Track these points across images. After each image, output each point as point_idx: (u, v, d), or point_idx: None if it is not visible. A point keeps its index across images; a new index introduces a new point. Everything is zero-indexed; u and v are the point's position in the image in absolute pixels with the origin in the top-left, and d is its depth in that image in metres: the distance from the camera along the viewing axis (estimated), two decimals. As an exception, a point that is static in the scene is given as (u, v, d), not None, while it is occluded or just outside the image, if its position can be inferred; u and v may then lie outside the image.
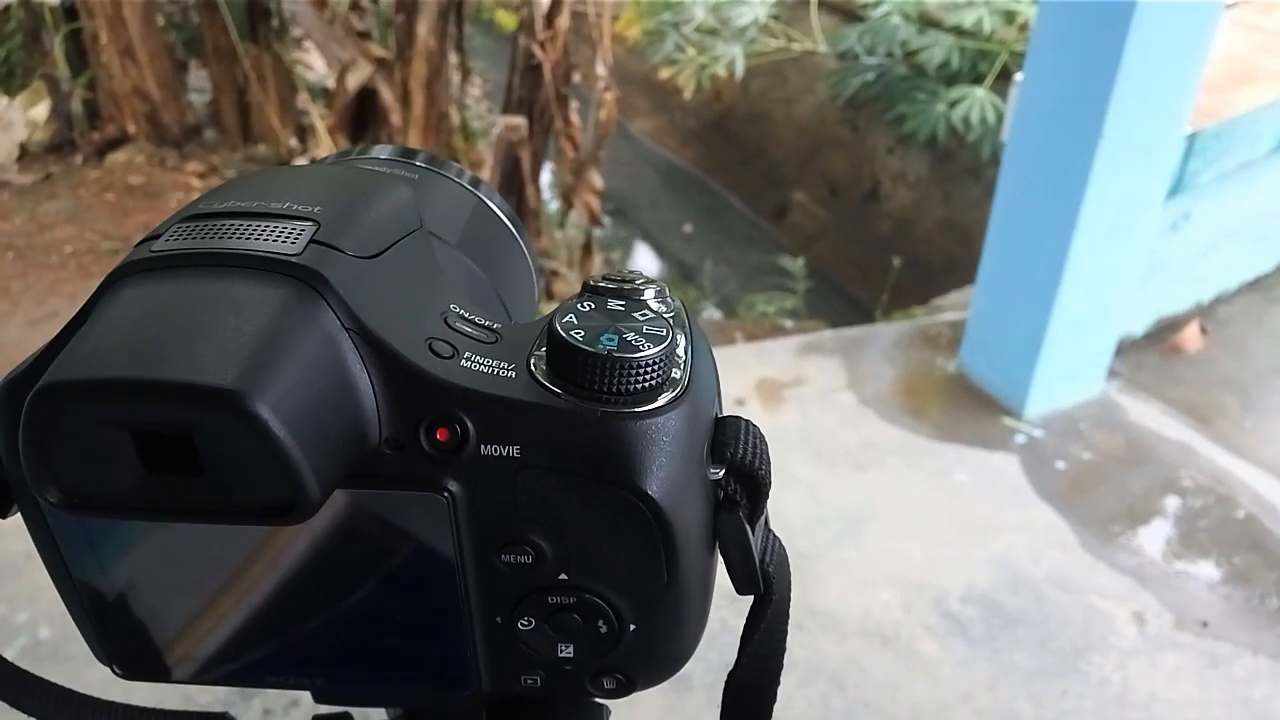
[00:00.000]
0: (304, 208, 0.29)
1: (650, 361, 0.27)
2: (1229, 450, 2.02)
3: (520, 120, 3.19)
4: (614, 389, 0.27)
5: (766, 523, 0.32)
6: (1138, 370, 2.21)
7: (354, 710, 0.37)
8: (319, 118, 3.45)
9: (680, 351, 0.29)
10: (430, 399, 0.27)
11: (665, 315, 0.29)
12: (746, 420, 0.30)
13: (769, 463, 0.30)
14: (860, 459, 1.96)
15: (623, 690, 0.32)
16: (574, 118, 3.30)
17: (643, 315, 0.29)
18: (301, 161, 3.07)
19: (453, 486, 0.27)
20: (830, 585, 1.67)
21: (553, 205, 3.77)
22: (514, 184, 3.23)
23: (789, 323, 2.92)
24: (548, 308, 3.35)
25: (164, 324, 0.25)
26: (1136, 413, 2.10)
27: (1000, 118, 3.37)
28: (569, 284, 3.38)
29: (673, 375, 0.28)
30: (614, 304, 0.29)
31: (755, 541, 0.30)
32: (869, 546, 1.77)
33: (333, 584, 0.30)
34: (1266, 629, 1.64)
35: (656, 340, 0.28)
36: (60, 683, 0.34)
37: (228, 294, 0.25)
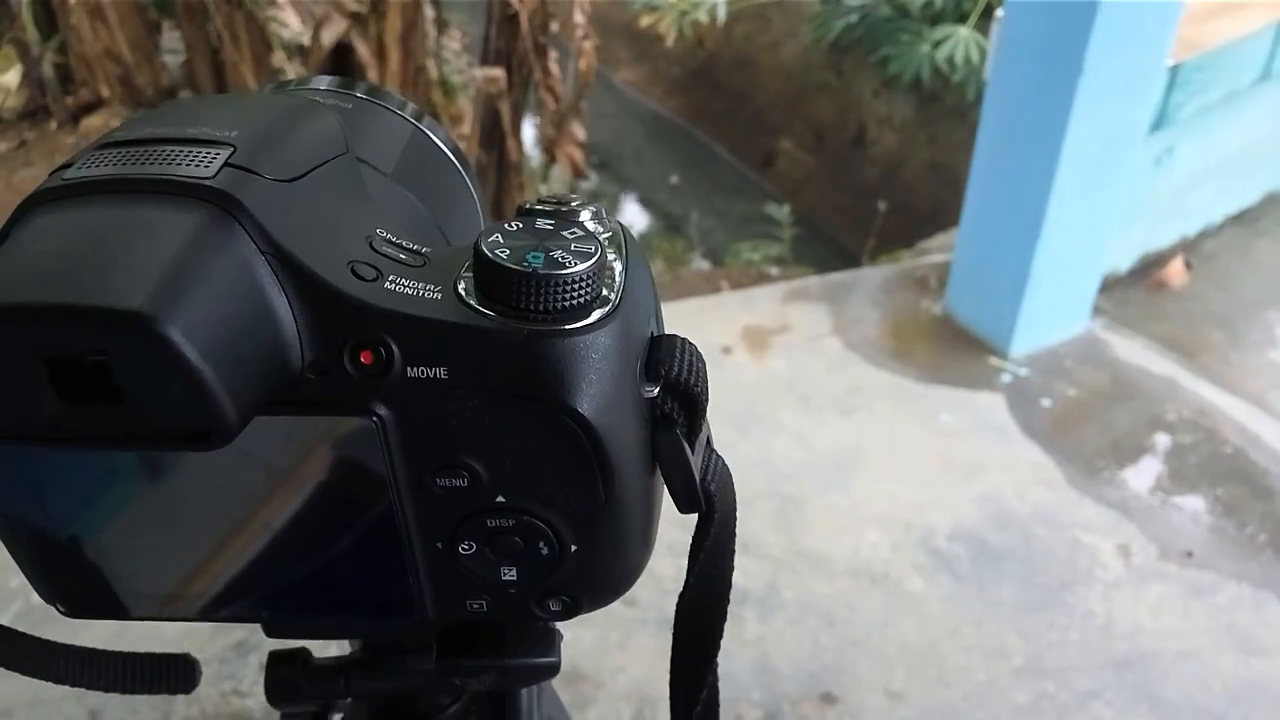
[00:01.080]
0: (221, 133, 0.28)
1: (578, 278, 0.27)
2: (1214, 384, 2.02)
3: (498, 72, 3.15)
4: (541, 307, 0.27)
5: (709, 442, 0.32)
6: (1123, 307, 2.21)
7: (311, 646, 0.37)
8: (295, 75, 3.40)
9: (615, 269, 0.29)
10: (352, 322, 0.26)
11: (599, 235, 0.29)
12: (683, 339, 0.30)
13: (706, 380, 0.30)
14: (847, 403, 1.97)
15: (569, 612, 0.32)
16: (553, 68, 3.26)
17: (572, 234, 0.28)
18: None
19: (380, 410, 0.27)
20: (819, 528, 1.68)
21: (535, 159, 3.74)
22: (495, 137, 3.20)
23: (775, 270, 2.92)
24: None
25: (74, 250, 0.24)
26: (1122, 349, 2.11)
27: (984, 57, 3.34)
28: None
29: (603, 293, 0.28)
30: (543, 223, 0.29)
31: (695, 460, 0.30)
32: (857, 489, 1.78)
33: (269, 514, 0.30)
34: (1250, 558, 1.66)
35: (584, 257, 0.27)
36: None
37: (139, 219, 0.25)
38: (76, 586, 0.31)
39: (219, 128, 0.28)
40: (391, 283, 0.27)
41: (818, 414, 1.94)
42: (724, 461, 0.32)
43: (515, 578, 0.30)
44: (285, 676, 0.36)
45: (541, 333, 0.26)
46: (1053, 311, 2.06)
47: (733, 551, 0.32)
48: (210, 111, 0.30)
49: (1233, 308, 2.26)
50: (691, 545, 0.32)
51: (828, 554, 1.64)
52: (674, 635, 0.34)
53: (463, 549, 0.29)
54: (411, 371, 0.27)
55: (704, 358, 0.30)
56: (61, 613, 0.32)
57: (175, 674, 0.36)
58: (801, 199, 4.23)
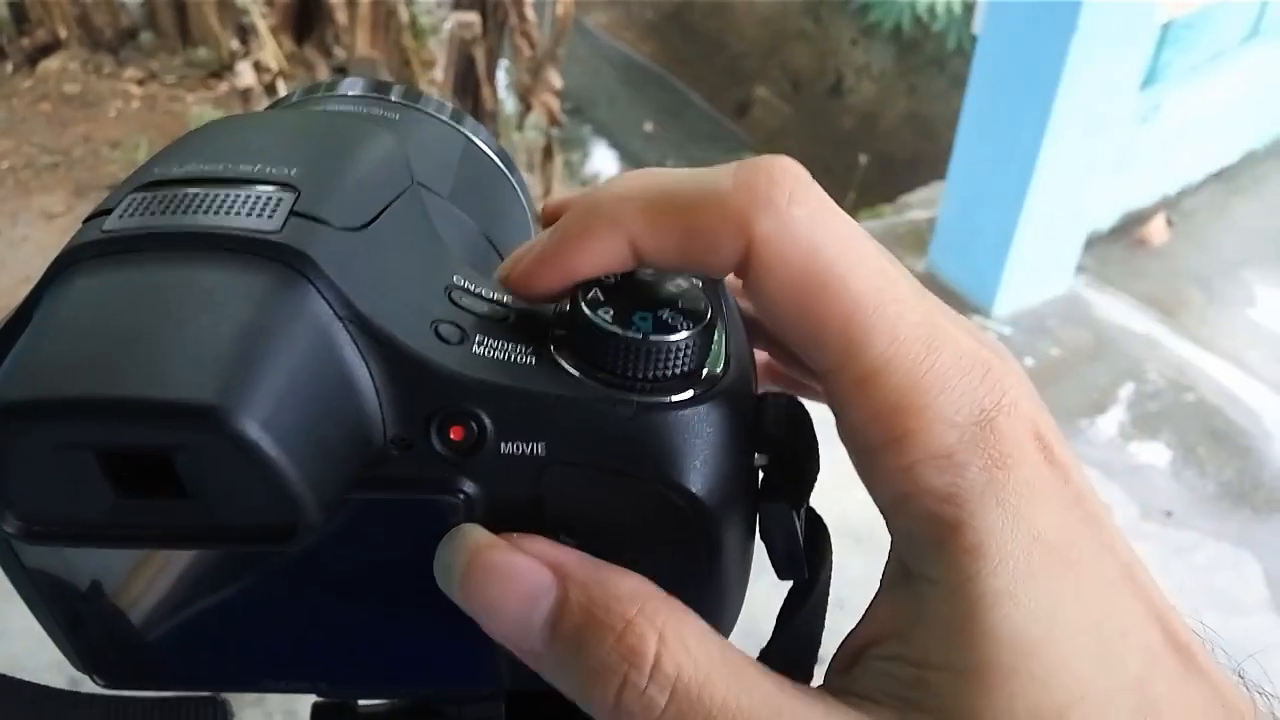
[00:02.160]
0: (278, 170, 0.24)
1: (689, 344, 0.24)
2: (1193, 342, 2.04)
3: (473, 17, 3.07)
4: (650, 375, 0.24)
5: (809, 505, 0.29)
6: (1104, 264, 2.22)
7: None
8: (260, 17, 3.28)
9: (717, 324, 0.26)
10: (441, 393, 0.23)
11: (697, 284, 0.26)
12: (789, 396, 0.28)
13: (816, 443, 0.27)
14: (832, 362, 1.96)
15: None
16: (529, 13, 3.18)
17: (676, 287, 0.25)
18: (244, 68, 2.93)
19: (469, 488, 0.24)
20: (805, 490, 1.69)
21: (510, 106, 3.66)
22: (469, 85, 3.12)
23: (755, 224, 2.88)
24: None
25: (127, 326, 0.21)
26: (1103, 308, 2.11)
27: (967, 7, 3.30)
28: (530, 187, 3.30)
29: (711, 349, 0.25)
30: (642, 274, 0.26)
31: (800, 526, 0.28)
32: (839, 451, 1.77)
33: (335, 588, 0.27)
34: (1228, 516, 1.68)
35: (695, 317, 0.24)
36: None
37: (199, 284, 0.22)
38: (114, 655, 0.29)
39: (275, 163, 0.25)
40: (479, 345, 0.24)
41: (803, 374, 1.94)
42: (822, 520, 0.30)
43: None
44: None
45: (651, 405, 0.24)
46: (1037, 270, 2.06)
47: (825, 614, 0.31)
48: (260, 138, 0.27)
49: (1211, 266, 2.27)
50: (783, 607, 0.30)
51: (815, 516, 1.64)
52: None
53: None
54: (505, 448, 0.24)
55: (810, 416, 0.28)
56: (97, 683, 0.30)
57: (206, 716, 0.34)
58: (778, 148, 4.15)
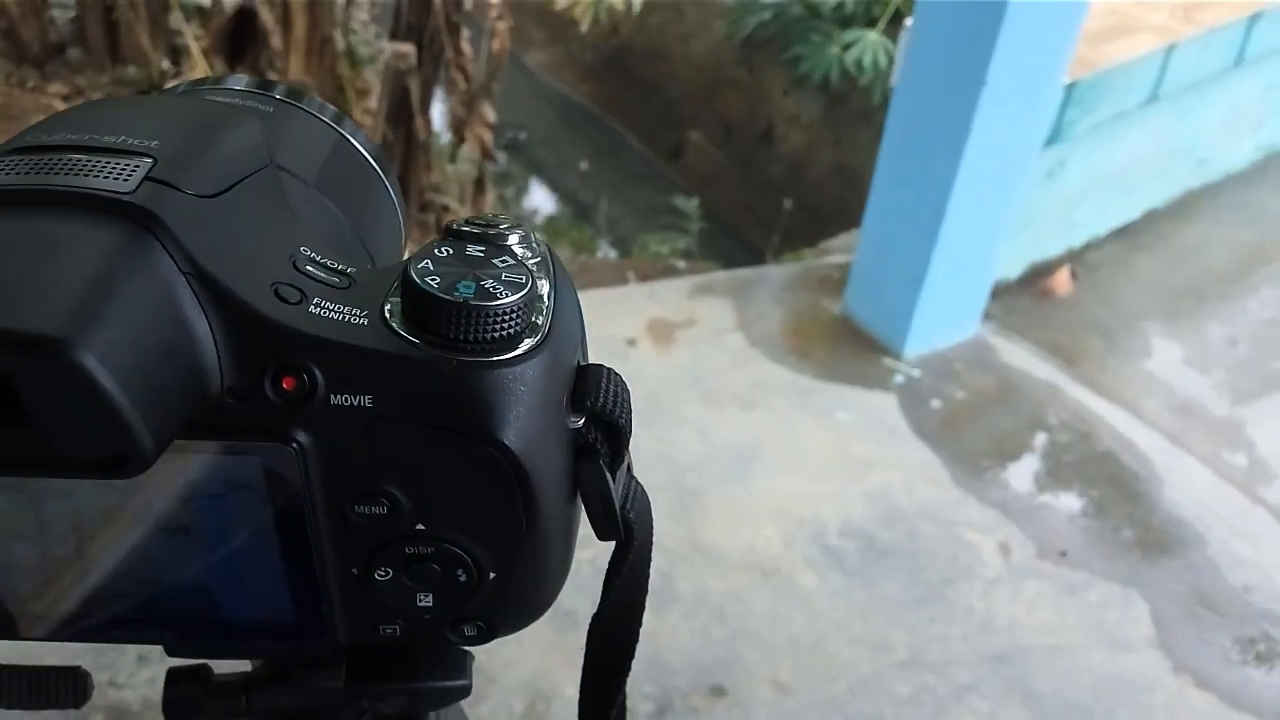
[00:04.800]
0: (141, 142, 0.27)
1: (509, 310, 0.27)
2: (1092, 390, 2.12)
3: (409, 48, 3.09)
4: (471, 337, 0.26)
5: (629, 469, 0.32)
6: (1010, 313, 2.30)
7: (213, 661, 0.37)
8: (193, 38, 3.27)
9: (543, 298, 0.29)
10: (275, 346, 0.26)
11: (528, 261, 0.29)
12: (608, 369, 0.30)
13: (630, 411, 0.30)
14: (748, 399, 2.00)
15: (484, 637, 0.32)
16: (465, 47, 3.21)
17: (503, 261, 0.28)
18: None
19: (301, 437, 0.27)
20: (715, 521, 1.71)
21: (444, 138, 3.68)
22: (403, 115, 3.13)
23: (682, 263, 2.94)
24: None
25: None
26: (1008, 354, 2.19)
27: (891, 62, 3.42)
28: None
29: (534, 322, 0.28)
30: (473, 249, 0.28)
31: (616, 489, 0.30)
32: (754, 483, 1.81)
33: (176, 538, 0.29)
34: (1119, 557, 1.75)
35: (516, 287, 0.27)
36: None
37: (53, 235, 0.24)
38: None
39: (138, 136, 0.27)
40: (316, 306, 0.27)
41: (719, 408, 1.97)
42: (643, 488, 0.32)
43: (431, 604, 0.30)
44: (185, 694, 0.35)
45: (470, 364, 0.26)
46: (945, 315, 2.13)
47: (648, 576, 0.33)
48: (128, 117, 0.29)
49: (1113, 317, 2.37)
50: (608, 569, 0.32)
51: (723, 548, 1.67)
52: (585, 655, 0.35)
53: (378, 575, 0.29)
54: (335, 399, 0.26)
55: (628, 387, 0.30)
56: None
57: (66, 687, 0.35)
58: (709, 192, 4.26)
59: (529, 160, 4.87)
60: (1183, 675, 1.56)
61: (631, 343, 2.09)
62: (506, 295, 0.27)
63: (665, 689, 1.45)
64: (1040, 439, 2.00)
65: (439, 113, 3.63)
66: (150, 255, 0.24)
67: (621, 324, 2.12)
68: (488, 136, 3.27)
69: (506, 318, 0.27)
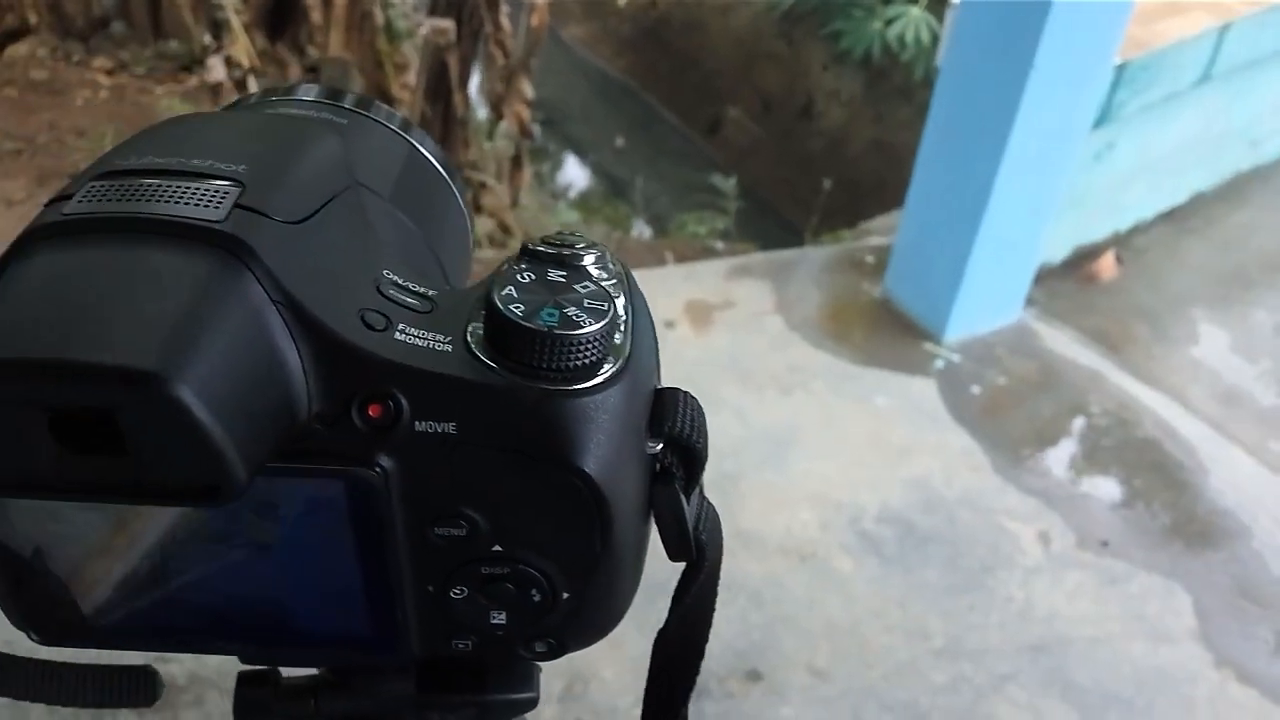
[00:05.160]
0: (227, 166, 0.27)
1: (591, 339, 0.27)
2: (1136, 377, 2.09)
3: (448, 23, 3.08)
4: (554, 366, 0.27)
5: (701, 490, 0.32)
6: (1054, 298, 2.27)
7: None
8: (234, 13, 3.28)
9: (621, 324, 0.29)
10: (363, 374, 0.26)
11: (606, 285, 0.29)
12: (685, 392, 0.30)
13: (706, 435, 0.30)
14: (786, 382, 1.99)
15: (554, 653, 0.32)
16: (504, 22, 3.20)
17: (584, 287, 0.28)
18: (215, 62, 2.93)
19: (385, 462, 0.27)
20: (753, 505, 1.71)
21: (481, 114, 3.68)
22: (441, 91, 3.13)
23: (720, 244, 2.93)
24: (476, 223, 3.25)
25: (79, 297, 0.23)
26: (1051, 339, 2.17)
27: (935, 38, 3.37)
28: (497, 197, 3.32)
29: (614, 346, 0.28)
30: (555, 274, 0.28)
31: (689, 511, 0.30)
32: (791, 468, 1.81)
33: (258, 554, 0.29)
34: (1161, 547, 1.73)
35: (598, 315, 0.27)
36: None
37: (147, 264, 0.24)
38: (51, 613, 0.31)
39: (225, 160, 0.27)
40: (401, 332, 0.27)
41: (758, 391, 1.97)
42: (714, 508, 0.33)
43: (504, 621, 0.30)
44: (256, 697, 0.36)
45: (553, 393, 0.26)
46: (988, 300, 2.11)
47: (715, 596, 0.33)
48: (213, 138, 0.29)
49: (1159, 302, 2.33)
50: (677, 587, 0.32)
51: (760, 532, 1.67)
52: (650, 669, 0.35)
53: (454, 593, 0.30)
54: (420, 425, 0.27)
55: (703, 410, 0.30)
56: (34, 640, 0.31)
57: (137, 687, 0.36)
58: (746, 169, 4.24)
59: (566, 136, 4.86)
60: (1225, 669, 1.54)
61: (670, 325, 2.09)
62: (589, 324, 0.27)
63: (701, 673, 1.45)
64: (1082, 426, 1.98)
65: (476, 88, 3.63)
66: (242, 285, 0.25)
67: (660, 306, 2.12)
68: (526, 113, 3.26)
69: (588, 346, 0.27)
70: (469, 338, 0.27)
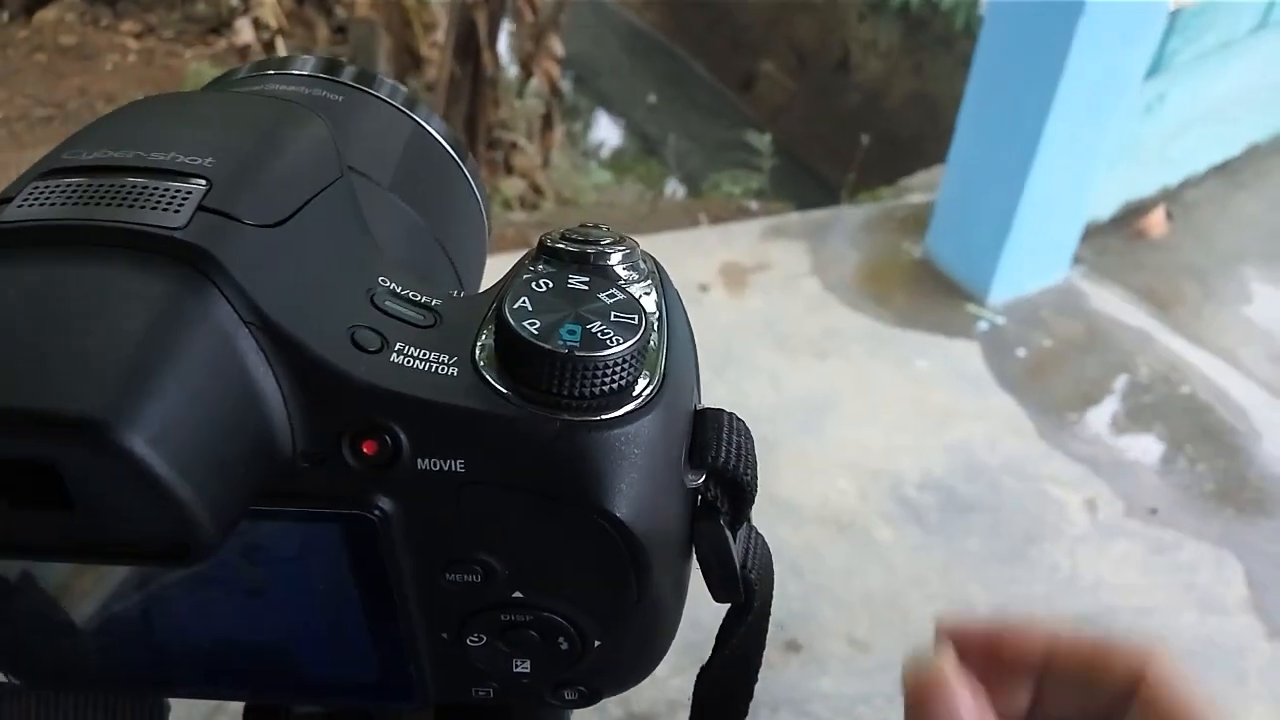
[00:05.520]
0: (192, 159, 0.23)
1: (619, 359, 0.22)
2: (1186, 338, 2.03)
3: (476, -19, 3.02)
4: (576, 393, 0.22)
5: (749, 523, 0.28)
6: (1101, 255, 2.20)
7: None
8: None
9: (654, 336, 0.25)
10: (353, 406, 0.22)
11: (634, 285, 0.25)
12: (729, 414, 0.26)
13: (754, 464, 0.26)
14: (823, 346, 1.95)
15: (586, 701, 0.29)
16: (533, -22, 3.13)
17: (610, 296, 0.24)
18: (243, 24, 2.89)
19: (384, 504, 0.23)
20: (789, 473, 1.68)
21: (511, 72, 3.61)
22: (470, 50, 3.08)
23: (754, 204, 2.86)
24: (507, 183, 3.18)
25: (13, 331, 0.20)
26: (1098, 299, 2.10)
27: (976, -13, 3.26)
28: (528, 157, 3.27)
29: (645, 364, 0.24)
30: (576, 280, 0.24)
31: (736, 549, 0.26)
32: (828, 434, 1.77)
33: (252, 598, 0.26)
34: (1212, 515, 1.68)
35: (627, 331, 0.23)
36: None
37: (95, 286, 0.20)
38: (34, 658, 0.28)
39: (190, 152, 0.23)
40: (399, 353, 0.23)
41: (793, 356, 1.92)
42: (764, 542, 0.29)
43: (529, 670, 0.27)
44: None
45: (576, 424, 0.22)
46: (1033, 259, 2.04)
47: (764, 636, 0.29)
48: (177, 125, 0.25)
49: (1209, 260, 2.25)
50: (722, 627, 0.29)
51: (797, 500, 1.64)
52: (692, 708, 0.32)
53: (471, 641, 0.26)
54: (422, 464, 0.23)
55: (751, 433, 0.26)
56: (15, 685, 0.29)
57: (144, 717, 0.33)
58: (781, 124, 4.14)
59: (597, 93, 4.78)
60: (1278, 640, 1.49)
61: (704, 288, 2.04)
62: (617, 342, 0.23)
63: (739, 644, 1.43)
64: (1130, 390, 1.92)
65: (506, 46, 3.56)
66: (207, 305, 0.21)
67: (694, 268, 2.08)
68: (555, 70, 3.20)
69: (617, 369, 0.23)
70: (478, 358, 0.23)
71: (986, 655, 0.26)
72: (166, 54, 3.37)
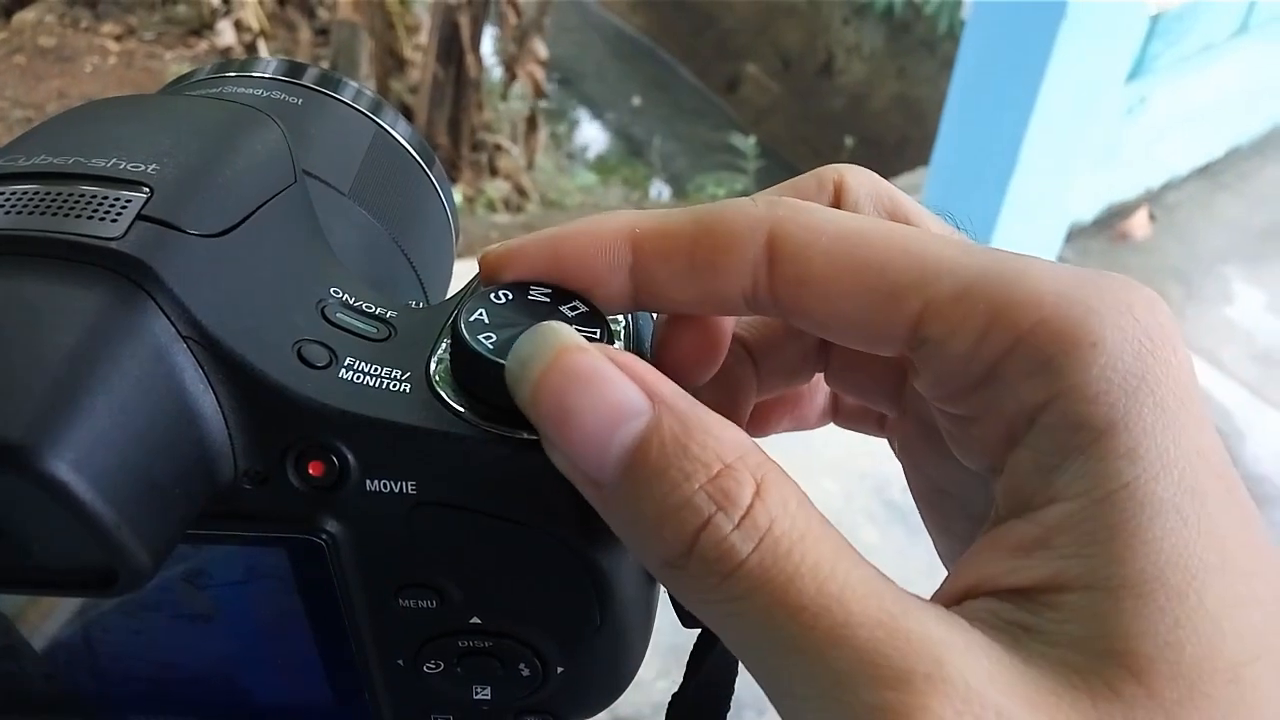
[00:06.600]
0: (135, 165, 0.22)
1: None
2: (1170, 339, 2.03)
3: (459, -17, 3.01)
4: None
5: None
6: (1085, 257, 2.20)
7: None
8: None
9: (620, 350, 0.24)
10: (298, 425, 0.21)
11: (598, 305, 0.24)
12: None
13: None
14: (807, 348, 1.94)
15: None
16: (516, -19, 3.12)
17: (573, 309, 0.23)
18: (225, 26, 2.87)
19: (332, 527, 0.22)
20: (774, 476, 1.67)
21: (495, 75, 3.60)
22: (453, 52, 3.07)
23: (738, 204, 2.86)
24: (491, 186, 3.17)
25: None
26: (1082, 301, 2.10)
27: (959, -11, 3.27)
28: (512, 159, 3.26)
29: None
30: (537, 292, 0.23)
31: None
32: (813, 436, 1.75)
33: (194, 624, 0.25)
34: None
35: None
36: None
37: (22, 300, 0.19)
38: None
39: (133, 158, 0.22)
40: (348, 369, 0.22)
41: (777, 359, 1.92)
42: None
43: (489, 697, 0.26)
44: None
45: (533, 443, 0.21)
46: (1016, 261, 2.05)
47: (739, 661, 0.29)
48: (123, 130, 0.24)
49: (1192, 261, 2.26)
50: (694, 652, 0.28)
51: (783, 503, 1.63)
52: None
53: (428, 668, 0.25)
54: (372, 485, 0.22)
55: None
56: None
57: None
58: (766, 127, 4.15)
59: (581, 96, 4.77)
60: (1262, 641, 1.50)
61: (688, 290, 2.04)
62: None
63: (723, 649, 1.43)
64: (1113, 391, 1.92)
65: (489, 49, 3.55)
66: (142, 319, 0.20)
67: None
68: (539, 73, 3.19)
69: None
70: (433, 374, 0.22)
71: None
72: (147, 56, 3.35)
